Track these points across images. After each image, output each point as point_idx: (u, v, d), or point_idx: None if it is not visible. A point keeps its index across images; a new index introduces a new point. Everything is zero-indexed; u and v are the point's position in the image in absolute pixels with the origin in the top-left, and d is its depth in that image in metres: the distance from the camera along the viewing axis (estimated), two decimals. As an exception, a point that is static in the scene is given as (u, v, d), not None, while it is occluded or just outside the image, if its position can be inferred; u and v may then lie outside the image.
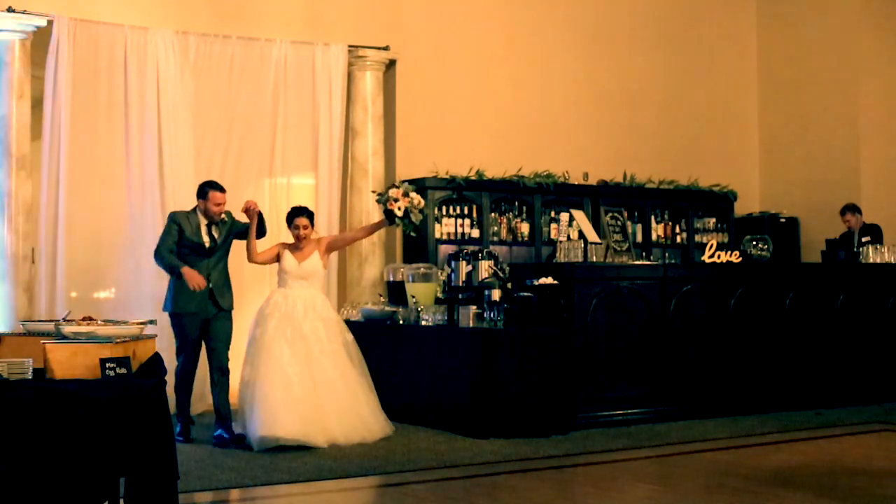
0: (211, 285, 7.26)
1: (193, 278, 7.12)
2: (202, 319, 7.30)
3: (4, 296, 8.48)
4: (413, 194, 7.62)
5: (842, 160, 11.44)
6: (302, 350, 7.28)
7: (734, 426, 7.99)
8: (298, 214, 7.59)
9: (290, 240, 7.66)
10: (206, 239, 7.30)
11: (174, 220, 7.35)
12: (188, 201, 8.90)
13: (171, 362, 7.92)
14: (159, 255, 7.30)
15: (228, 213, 7.42)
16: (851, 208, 10.44)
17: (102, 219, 8.87)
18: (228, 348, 7.42)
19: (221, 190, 7.35)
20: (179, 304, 7.27)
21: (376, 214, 9.69)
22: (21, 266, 8.58)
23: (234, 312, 7.55)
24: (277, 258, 7.57)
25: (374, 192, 8.06)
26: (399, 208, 7.56)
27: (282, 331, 7.29)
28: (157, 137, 8.96)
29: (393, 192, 7.62)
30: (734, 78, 12.24)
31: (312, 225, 7.66)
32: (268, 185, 9.26)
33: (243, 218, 7.49)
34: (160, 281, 8.76)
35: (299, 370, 7.21)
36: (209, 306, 7.29)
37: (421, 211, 7.64)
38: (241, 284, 8.08)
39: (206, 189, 7.33)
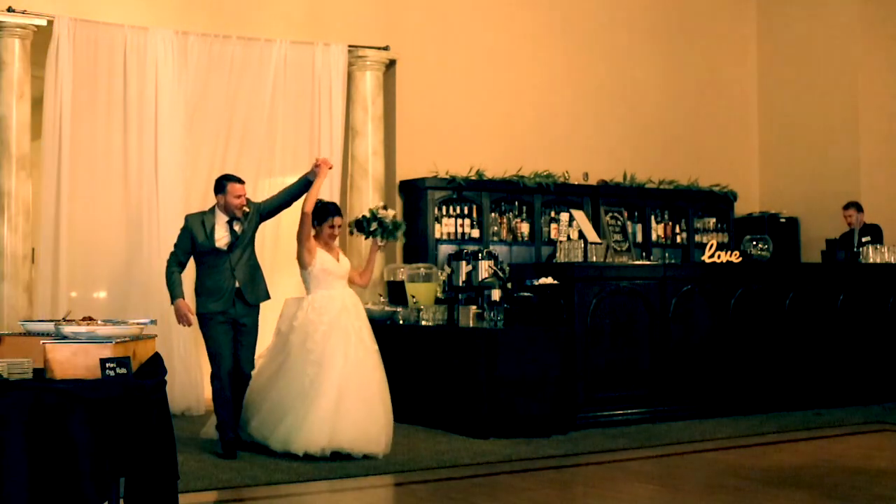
0: (238, 284, 6.91)
1: (181, 317, 6.86)
2: (231, 319, 6.92)
3: (4, 296, 8.48)
4: (382, 211, 7.63)
5: (842, 160, 11.44)
6: (359, 352, 6.97)
7: (734, 426, 7.99)
8: (335, 213, 7.28)
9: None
10: (222, 239, 6.90)
11: (186, 225, 6.97)
12: (185, 201, 8.93)
13: (171, 363, 7.94)
14: (166, 271, 6.97)
15: (249, 202, 7.04)
16: (855, 205, 10.45)
17: (102, 219, 8.87)
18: (254, 355, 7.09)
19: (240, 181, 6.98)
20: (204, 304, 6.92)
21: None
22: (21, 266, 8.59)
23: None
24: (308, 250, 7.14)
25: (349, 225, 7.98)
26: (365, 215, 7.60)
27: (343, 338, 6.93)
28: (156, 137, 8.96)
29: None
30: (734, 78, 12.24)
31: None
32: (268, 185, 9.23)
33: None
34: (159, 280, 8.78)
35: (354, 377, 6.88)
36: (237, 305, 6.93)
37: (394, 223, 7.56)
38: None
39: (224, 182, 6.97)
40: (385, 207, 7.70)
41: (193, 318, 6.91)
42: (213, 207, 7.03)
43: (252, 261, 7.07)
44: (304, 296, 7.23)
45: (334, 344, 6.90)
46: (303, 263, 7.17)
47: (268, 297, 7.16)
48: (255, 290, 7.03)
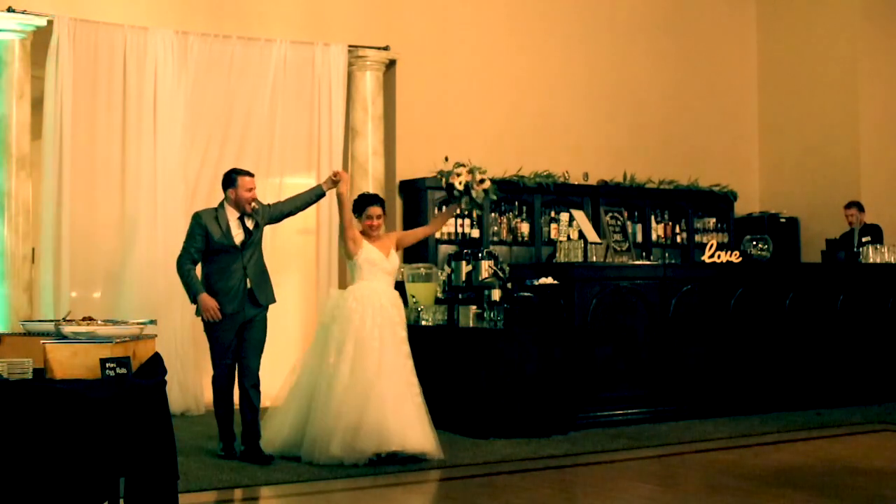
0: (250, 285, 6.67)
1: (208, 310, 6.55)
2: (240, 322, 6.68)
3: (4, 296, 8.48)
4: (478, 173, 7.30)
5: (842, 160, 11.44)
6: (400, 353, 6.82)
7: (734, 426, 7.99)
8: (371, 203, 7.02)
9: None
10: (237, 235, 6.65)
11: (199, 222, 6.65)
12: (185, 201, 8.94)
13: (170, 363, 7.92)
14: (181, 269, 6.66)
15: (257, 201, 6.78)
16: (856, 205, 10.46)
17: (103, 218, 8.88)
18: (261, 355, 6.80)
19: (250, 174, 6.72)
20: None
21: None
22: (21, 266, 8.59)
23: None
24: (352, 240, 6.93)
25: (440, 172, 7.44)
26: (460, 182, 7.21)
27: (391, 333, 6.76)
28: (155, 137, 8.96)
29: (457, 169, 7.35)
30: (734, 78, 12.24)
31: (384, 214, 7.17)
32: (268, 186, 9.24)
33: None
34: (159, 280, 8.78)
35: (398, 377, 6.74)
36: (248, 307, 6.68)
37: (486, 192, 7.23)
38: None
39: (234, 176, 6.69)
40: (482, 181, 7.24)
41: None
42: (222, 203, 6.74)
43: (261, 261, 6.84)
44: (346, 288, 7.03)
45: (388, 338, 6.75)
46: (348, 253, 6.97)
47: (274, 300, 6.92)
48: (265, 290, 6.81)
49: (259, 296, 6.74)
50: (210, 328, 6.70)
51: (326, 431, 6.53)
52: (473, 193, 7.18)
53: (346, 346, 6.70)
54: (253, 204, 6.71)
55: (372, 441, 6.46)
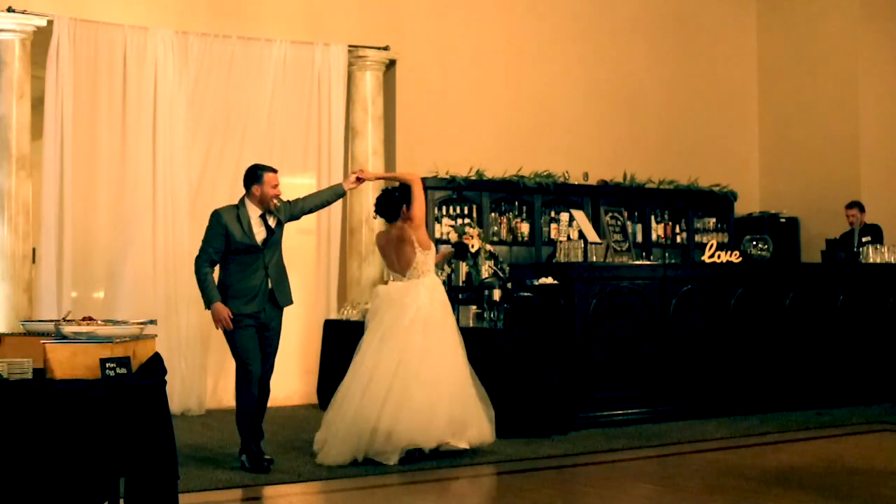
0: (271, 285, 6.44)
1: (221, 320, 6.29)
2: (260, 322, 6.42)
3: (4, 296, 8.49)
4: (487, 245, 8.21)
5: (842, 160, 11.44)
6: (461, 341, 6.97)
7: (734, 426, 7.99)
8: None
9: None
10: (259, 234, 6.40)
11: (220, 221, 6.36)
12: (186, 200, 8.94)
13: (172, 362, 7.92)
14: (198, 272, 6.37)
15: (279, 198, 6.49)
16: (857, 205, 10.46)
17: (103, 218, 8.88)
18: (274, 361, 6.59)
19: (274, 170, 6.47)
20: (236, 306, 6.34)
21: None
22: (21, 266, 8.59)
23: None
24: (426, 231, 6.99)
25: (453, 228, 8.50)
26: (473, 246, 8.00)
27: (454, 325, 6.93)
28: (155, 137, 8.96)
29: (469, 230, 8.12)
30: (734, 78, 12.24)
31: None
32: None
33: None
34: (160, 280, 8.78)
35: (465, 367, 6.91)
36: (268, 308, 6.45)
37: (490, 255, 8.21)
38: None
39: (260, 172, 6.40)
40: (491, 255, 8.22)
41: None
42: (243, 200, 6.46)
43: (281, 260, 6.59)
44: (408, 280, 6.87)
45: (455, 328, 6.93)
46: (426, 244, 6.83)
47: (292, 301, 6.67)
48: (285, 291, 6.58)
49: (280, 297, 6.53)
50: (229, 332, 6.45)
51: (422, 421, 6.49)
52: (479, 259, 8.09)
53: (437, 334, 6.75)
54: (275, 201, 6.48)
55: (452, 431, 6.58)
